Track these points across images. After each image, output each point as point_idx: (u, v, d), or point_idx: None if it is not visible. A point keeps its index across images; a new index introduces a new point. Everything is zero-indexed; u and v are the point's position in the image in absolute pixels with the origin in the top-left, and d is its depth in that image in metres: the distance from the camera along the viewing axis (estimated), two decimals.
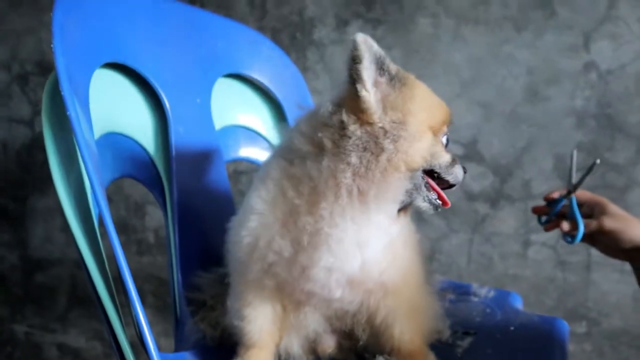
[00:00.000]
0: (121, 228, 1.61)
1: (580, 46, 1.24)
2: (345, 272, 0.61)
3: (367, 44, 0.55)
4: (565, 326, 0.80)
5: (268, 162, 0.65)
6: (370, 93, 0.56)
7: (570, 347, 1.37)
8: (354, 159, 0.56)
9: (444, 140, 0.62)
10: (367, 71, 0.55)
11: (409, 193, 0.59)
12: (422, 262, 0.70)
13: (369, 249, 0.61)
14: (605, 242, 0.81)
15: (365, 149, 0.57)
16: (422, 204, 0.61)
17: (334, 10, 1.35)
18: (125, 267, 0.56)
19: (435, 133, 0.60)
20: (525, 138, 1.30)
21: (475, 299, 0.91)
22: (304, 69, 1.35)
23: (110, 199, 1.61)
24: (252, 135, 0.98)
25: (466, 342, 0.75)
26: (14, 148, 1.67)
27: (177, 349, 0.77)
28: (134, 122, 0.80)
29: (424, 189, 0.60)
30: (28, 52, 1.60)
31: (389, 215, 0.61)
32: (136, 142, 0.80)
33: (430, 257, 1.38)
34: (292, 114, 0.98)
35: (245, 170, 1.45)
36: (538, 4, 1.24)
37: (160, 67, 0.81)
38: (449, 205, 0.62)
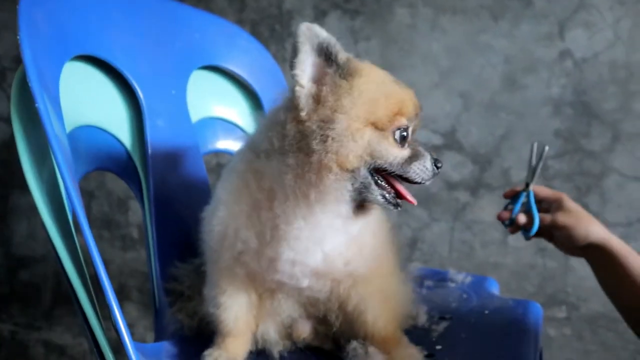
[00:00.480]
0: (105, 224, 1.61)
1: (555, 35, 1.25)
2: (307, 264, 0.60)
3: (308, 34, 0.52)
4: (539, 309, 0.82)
5: (237, 153, 0.65)
6: (304, 88, 0.53)
7: (551, 331, 1.40)
8: (291, 160, 0.55)
9: (398, 135, 0.56)
10: (303, 64, 0.53)
11: (358, 192, 0.56)
12: (394, 250, 0.70)
13: (328, 245, 0.60)
14: (561, 238, 0.82)
15: (299, 150, 0.54)
16: (378, 203, 0.57)
17: (313, 2, 1.36)
18: (96, 255, 0.56)
19: (383, 128, 0.55)
20: (503, 126, 1.32)
21: (452, 285, 0.92)
22: (284, 60, 1.35)
23: (93, 195, 1.60)
24: (230, 127, 0.98)
25: (441, 326, 0.76)
26: None
27: (157, 339, 0.78)
28: (109, 115, 0.80)
29: (374, 187, 0.56)
30: (5, 47, 1.59)
31: (340, 215, 0.58)
32: (112, 135, 0.80)
33: (412, 246, 1.39)
34: (269, 106, 0.98)
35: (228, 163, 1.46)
36: None
37: (134, 59, 0.81)
38: (414, 202, 0.58)
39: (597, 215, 1.25)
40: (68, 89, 0.70)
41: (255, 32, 1.39)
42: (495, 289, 0.92)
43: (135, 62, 0.81)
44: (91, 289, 0.64)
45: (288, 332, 0.69)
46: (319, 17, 1.36)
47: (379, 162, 0.55)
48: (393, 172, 0.57)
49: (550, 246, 1.34)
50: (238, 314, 0.65)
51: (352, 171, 0.55)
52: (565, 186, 1.29)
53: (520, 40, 1.27)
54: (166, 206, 0.83)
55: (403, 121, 0.56)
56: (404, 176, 0.57)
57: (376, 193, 0.56)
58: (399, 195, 0.58)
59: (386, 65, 1.29)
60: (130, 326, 1.62)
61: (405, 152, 0.57)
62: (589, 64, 1.25)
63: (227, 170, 0.64)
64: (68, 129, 0.71)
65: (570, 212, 0.80)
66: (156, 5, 0.91)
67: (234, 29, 1.02)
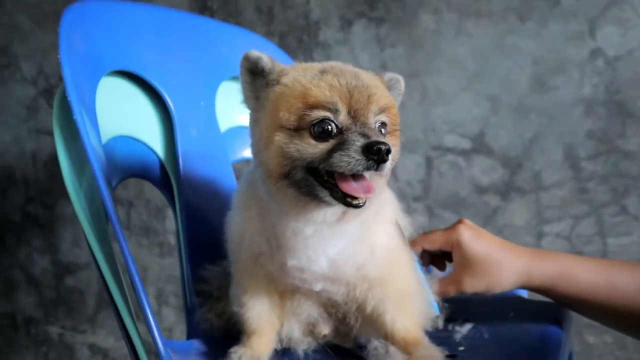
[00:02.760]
0: (143, 231, 1.68)
1: (585, 33, 1.23)
2: (313, 270, 0.61)
3: (243, 62, 0.57)
4: (568, 312, 0.80)
5: (251, 162, 0.68)
6: (250, 106, 0.60)
7: (590, 339, 1.35)
8: (255, 174, 0.60)
9: (316, 130, 0.53)
10: (245, 89, 0.59)
11: (311, 195, 0.54)
12: (410, 250, 0.70)
13: (331, 251, 0.60)
14: None
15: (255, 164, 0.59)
16: (330, 203, 0.54)
17: (338, 12, 1.38)
18: (126, 250, 0.60)
19: (296, 128, 0.53)
20: (533, 129, 1.30)
21: None
22: None
23: (132, 204, 1.68)
24: None
25: (465, 328, 0.76)
26: (42, 158, 1.76)
27: (188, 338, 0.81)
28: (143, 126, 0.85)
29: (319, 188, 0.54)
30: (52, 67, 1.69)
31: (316, 222, 0.57)
32: (145, 144, 0.85)
33: None
34: None
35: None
36: None
37: (165, 73, 0.86)
38: (362, 195, 0.52)
39: (637, 217, 1.23)
40: (104, 103, 0.76)
41: (283, 43, 1.43)
42: (522, 292, 0.91)
43: (165, 76, 0.86)
44: (126, 291, 0.68)
45: (312, 331, 0.71)
46: (345, 27, 1.38)
47: (298, 163, 0.53)
48: (325, 169, 0.53)
49: (586, 250, 1.32)
50: (261, 313, 0.68)
51: (286, 177, 0.54)
52: (601, 188, 1.26)
53: (549, 40, 1.25)
54: (197, 212, 0.87)
55: (317, 114, 0.53)
56: (331, 170, 0.53)
57: (323, 193, 0.54)
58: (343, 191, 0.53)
59: (412, 71, 1.32)
60: (168, 330, 1.69)
61: (324, 146, 0.53)
62: (623, 61, 1.21)
63: (241, 179, 0.67)
64: (104, 139, 0.76)
65: (472, 265, 0.68)
66: (185, 21, 0.96)
67: (260, 40, 1.06)
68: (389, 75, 0.63)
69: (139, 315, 0.64)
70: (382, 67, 1.32)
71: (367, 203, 0.54)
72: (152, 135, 0.86)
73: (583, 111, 1.25)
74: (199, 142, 0.90)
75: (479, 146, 1.33)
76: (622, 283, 0.66)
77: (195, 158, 0.88)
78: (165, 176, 0.87)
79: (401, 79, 0.64)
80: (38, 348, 1.90)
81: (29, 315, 1.89)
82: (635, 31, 1.19)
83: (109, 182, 0.67)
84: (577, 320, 1.32)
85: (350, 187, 0.52)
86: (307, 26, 1.42)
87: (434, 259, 0.79)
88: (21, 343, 1.92)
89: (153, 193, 1.64)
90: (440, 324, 0.78)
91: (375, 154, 0.50)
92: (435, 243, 0.72)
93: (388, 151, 0.51)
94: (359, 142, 0.51)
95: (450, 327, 0.77)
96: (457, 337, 0.74)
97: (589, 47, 1.23)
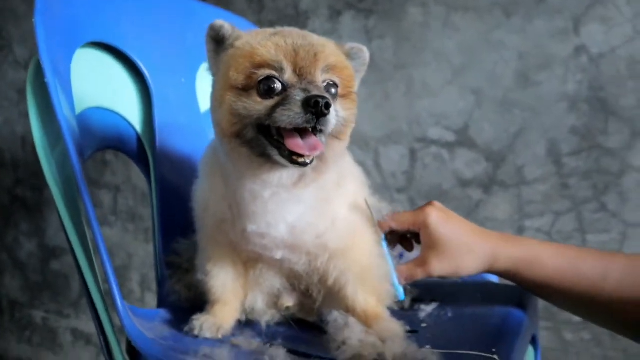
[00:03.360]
0: (129, 217, 1.69)
1: (570, 30, 1.24)
2: (273, 237, 0.61)
3: (209, 29, 0.59)
4: (534, 298, 0.80)
5: None
6: (212, 73, 0.61)
7: (568, 335, 1.36)
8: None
9: (262, 88, 0.54)
10: (210, 57, 0.61)
11: (263, 155, 0.56)
12: (374, 226, 0.70)
13: (290, 216, 0.61)
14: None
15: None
16: (280, 162, 0.55)
17: (327, 2, 1.40)
18: (92, 215, 0.60)
19: (245, 87, 0.55)
20: (517, 123, 1.30)
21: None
22: None
23: (119, 189, 1.69)
24: None
25: (430, 307, 0.76)
26: (32, 142, 1.76)
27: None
28: (120, 99, 0.86)
29: (270, 147, 0.55)
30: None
31: (272, 185, 0.58)
32: (122, 117, 0.86)
33: None
34: None
35: None
36: None
37: (145, 48, 0.87)
38: (307, 152, 0.53)
39: (616, 214, 1.23)
40: (81, 73, 0.76)
41: None
42: (494, 277, 0.91)
43: (145, 50, 0.87)
44: (94, 259, 0.68)
45: (275, 303, 0.71)
46: (334, 17, 1.40)
47: (247, 121, 0.55)
48: (271, 125, 0.54)
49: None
50: (225, 282, 0.68)
51: (238, 136, 0.56)
52: (582, 184, 1.27)
53: (534, 36, 1.26)
54: (171, 186, 0.87)
55: (263, 72, 0.54)
56: (275, 125, 0.54)
57: (273, 152, 0.55)
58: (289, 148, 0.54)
59: (399, 63, 1.33)
60: None
61: (269, 102, 0.54)
62: (606, 59, 1.22)
63: (207, 146, 0.68)
64: (80, 109, 0.77)
65: (440, 248, 0.67)
66: (171, 0, 0.97)
67: (245, 24, 1.07)
68: (350, 44, 0.64)
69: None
70: (369, 58, 1.33)
71: (314, 162, 0.55)
72: (129, 109, 0.86)
73: (567, 107, 1.26)
74: (177, 118, 0.90)
75: (463, 139, 1.34)
76: (588, 269, 0.65)
77: (173, 133, 0.89)
78: (142, 150, 0.88)
79: (365, 49, 0.65)
80: (22, 332, 1.90)
81: (14, 299, 1.90)
82: (619, 29, 1.20)
83: (80, 148, 0.68)
84: (555, 317, 1.33)
85: (295, 143, 0.53)
86: (297, 16, 1.43)
87: (403, 240, 0.79)
88: (5, 327, 1.92)
89: (140, 179, 1.65)
90: (407, 303, 0.78)
91: (314, 107, 0.51)
92: (403, 224, 0.71)
93: (327, 105, 0.51)
94: (299, 96, 0.53)
95: (416, 306, 0.77)
96: (422, 315, 0.74)
97: (574, 43, 1.24)
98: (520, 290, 0.78)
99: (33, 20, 0.67)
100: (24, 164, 1.80)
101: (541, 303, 0.79)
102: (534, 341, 0.79)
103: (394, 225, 0.72)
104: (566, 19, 1.23)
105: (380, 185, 1.41)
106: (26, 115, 1.77)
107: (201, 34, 0.99)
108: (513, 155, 1.32)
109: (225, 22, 0.59)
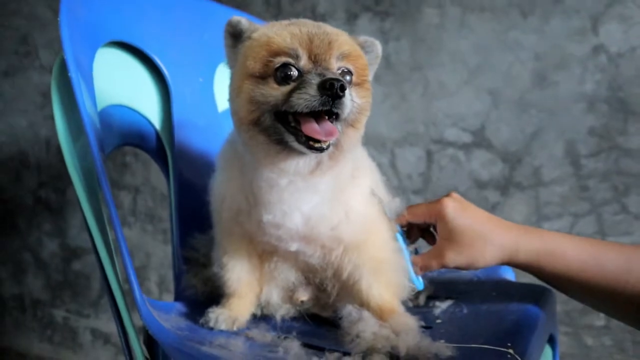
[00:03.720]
0: (148, 218, 1.71)
1: (588, 29, 1.23)
2: (288, 227, 0.62)
3: (227, 25, 0.61)
4: (553, 295, 0.79)
5: None
6: (230, 66, 0.62)
7: (589, 341, 1.33)
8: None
9: (279, 75, 0.56)
10: (228, 52, 0.62)
11: (281, 142, 0.56)
12: (389, 221, 0.70)
13: (305, 206, 0.61)
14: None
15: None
16: (298, 149, 0.56)
17: (344, 5, 1.41)
18: (114, 213, 0.62)
19: (262, 76, 0.56)
20: (534, 124, 1.29)
21: (465, 270, 0.91)
22: None
23: (138, 190, 1.72)
24: None
25: (445, 304, 0.76)
26: (55, 144, 1.82)
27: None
28: (140, 98, 0.88)
29: (287, 134, 0.56)
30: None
31: (289, 173, 0.58)
32: (142, 115, 0.88)
33: None
34: None
35: None
36: None
37: (164, 47, 0.89)
38: (323, 137, 0.54)
39: (638, 217, 1.21)
40: (102, 71, 0.79)
41: None
42: (510, 275, 0.90)
43: (165, 50, 0.89)
44: (113, 252, 0.70)
45: (290, 297, 0.72)
46: (351, 20, 1.41)
47: (264, 107, 0.56)
48: (288, 111, 0.55)
49: None
50: (241, 275, 0.69)
51: (256, 124, 0.57)
52: (601, 186, 1.25)
53: (551, 36, 1.25)
54: (189, 182, 0.89)
55: (279, 59, 0.56)
56: (292, 110, 0.55)
57: (290, 138, 0.56)
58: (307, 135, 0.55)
59: (415, 64, 1.33)
60: None
61: (285, 89, 0.55)
62: (625, 58, 1.21)
63: (225, 140, 0.69)
64: (101, 105, 0.79)
65: (456, 238, 0.66)
66: (191, 1, 1.00)
67: None
68: (363, 37, 0.65)
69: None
70: (385, 60, 1.34)
71: (330, 148, 0.56)
72: (149, 106, 0.88)
73: (585, 107, 1.25)
74: (195, 116, 0.92)
75: (480, 140, 1.34)
76: (609, 262, 0.63)
77: (191, 130, 0.91)
78: (161, 147, 0.90)
79: (377, 42, 0.66)
80: (43, 330, 1.94)
81: (36, 298, 1.94)
82: (638, 28, 1.19)
83: (100, 143, 0.70)
84: (575, 322, 1.31)
85: (311, 128, 0.54)
86: (314, 18, 1.42)
87: (424, 233, 0.79)
88: (27, 325, 1.96)
89: (158, 180, 1.68)
90: (422, 300, 0.78)
91: (329, 89, 0.52)
92: (419, 216, 0.71)
93: (342, 87, 0.52)
94: (315, 80, 0.54)
95: (431, 303, 0.77)
96: (437, 311, 0.74)
97: (592, 43, 1.23)
98: (537, 288, 0.78)
99: (58, 22, 0.69)
100: (47, 167, 1.85)
101: (560, 307, 0.77)
102: (552, 341, 0.78)
103: (410, 219, 0.72)
104: (584, 18, 1.22)
105: (397, 187, 1.41)
106: (50, 119, 1.82)
107: (219, 35, 1.01)
108: (530, 157, 1.30)
109: (242, 17, 0.61)
